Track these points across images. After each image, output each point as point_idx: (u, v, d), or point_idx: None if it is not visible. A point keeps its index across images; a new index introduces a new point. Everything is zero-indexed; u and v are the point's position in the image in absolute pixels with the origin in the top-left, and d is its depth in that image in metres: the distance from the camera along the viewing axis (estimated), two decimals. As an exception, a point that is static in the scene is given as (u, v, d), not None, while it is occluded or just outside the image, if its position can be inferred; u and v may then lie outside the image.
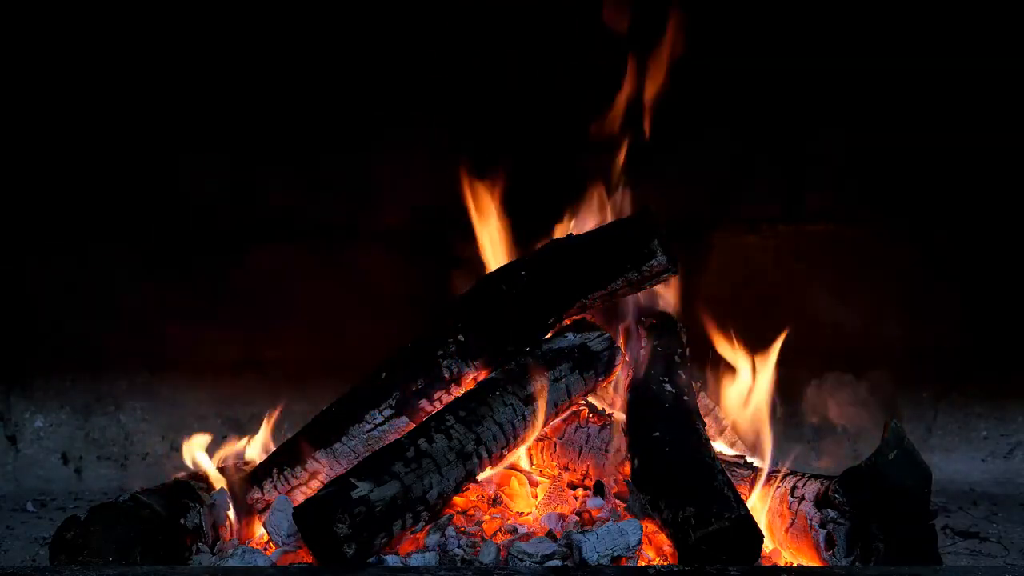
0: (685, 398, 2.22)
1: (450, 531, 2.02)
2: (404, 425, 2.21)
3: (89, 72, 2.95)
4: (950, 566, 2.08)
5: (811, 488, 2.02)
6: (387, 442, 2.12)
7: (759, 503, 2.11)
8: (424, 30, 2.93)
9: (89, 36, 2.92)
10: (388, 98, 2.98)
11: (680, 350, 2.39)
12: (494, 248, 2.47)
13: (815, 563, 1.96)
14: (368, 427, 2.22)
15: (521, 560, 1.92)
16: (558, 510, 2.16)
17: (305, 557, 1.99)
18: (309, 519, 1.90)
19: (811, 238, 3.07)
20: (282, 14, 2.93)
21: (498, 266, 2.38)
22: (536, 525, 2.12)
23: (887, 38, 2.94)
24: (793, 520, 2.02)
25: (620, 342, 2.36)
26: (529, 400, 2.14)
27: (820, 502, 1.97)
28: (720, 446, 2.38)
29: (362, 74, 2.97)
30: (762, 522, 2.04)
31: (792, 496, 2.05)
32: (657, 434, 2.07)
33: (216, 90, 2.96)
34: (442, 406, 2.19)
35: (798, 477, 2.10)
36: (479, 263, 2.49)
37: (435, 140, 2.98)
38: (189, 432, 3.02)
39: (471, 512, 2.15)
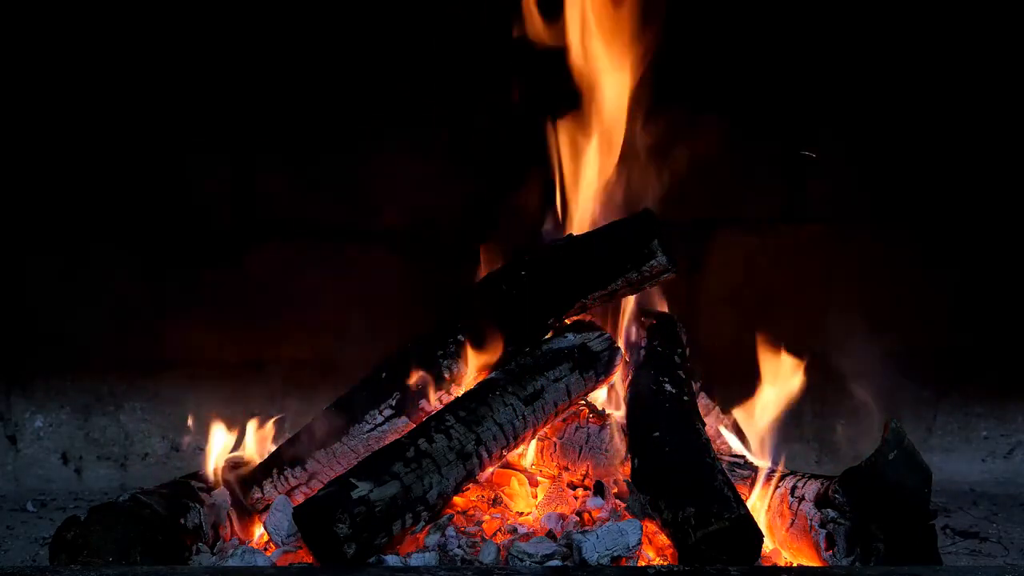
0: (685, 398, 2.22)
1: (450, 531, 2.02)
2: (404, 425, 2.21)
3: (91, 73, 2.94)
4: (950, 566, 2.08)
5: (811, 488, 2.02)
6: (387, 442, 2.12)
7: (759, 503, 2.11)
8: (424, 33, 2.93)
9: (90, 37, 2.92)
10: (389, 99, 2.98)
11: (680, 350, 2.39)
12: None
13: (815, 563, 1.96)
14: (368, 427, 2.22)
15: (521, 560, 1.92)
16: (558, 510, 2.16)
17: (305, 557, 1.99)
18: (309, 519, 1.90)
19: (811, 238, 3.07)
20: (284, 14, 2.93)
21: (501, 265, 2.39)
22: (536, 525, 2.12)
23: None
24: (793, 520, 2.02)
25: (620, 342, 2.37)
26: (529, 400, 2.14)
27: (820, 502, 1.97)
28: (724, 442, 2.38)
29: (363, 75, 2.97)
30: (762, 522, 2.04)
31: (792, 496, 2.05)
32: (657, 434, 2.08)
33: (217, 91, 2.96)
34: (442, 406, 2.19)
35: (798, 477, 2.10)
36: (479, 263, 2.49)
37: (436, 141, 2.97)
38: (190, 432, 3.04)
39: (471, 512, 2.15)
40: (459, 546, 1.99)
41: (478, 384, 2.20)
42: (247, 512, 2.22)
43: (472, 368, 2.26)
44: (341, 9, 2.93)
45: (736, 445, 2.37)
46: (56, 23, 2.92)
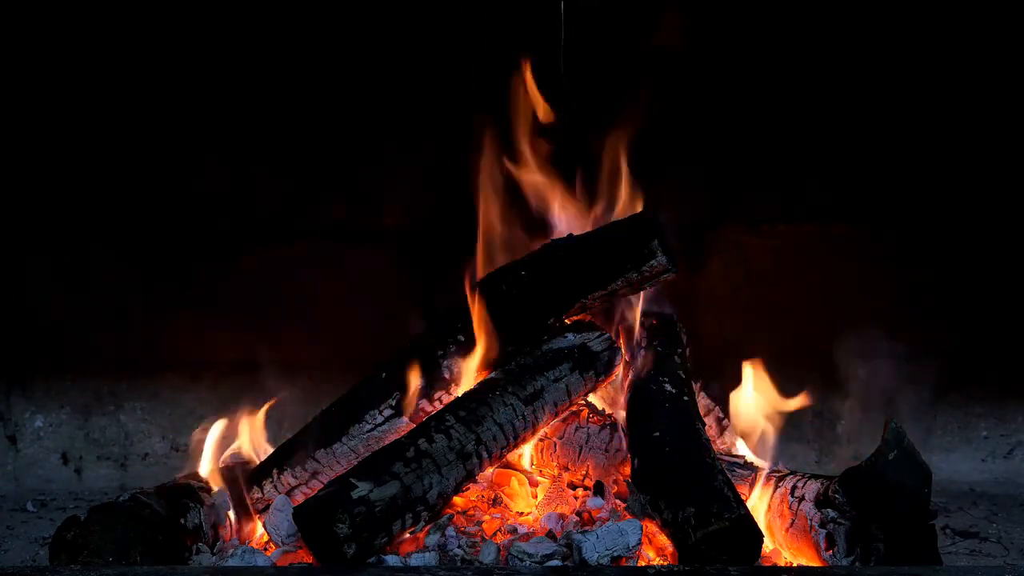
0: (685, 398, 2.22)
1: (450, 531, 2.02)
2: (404, 425, 2.22)
3: (92, 74, 2.94)
4: (950, 566, 2.08)
5: (811, 488, 2.02)
6: (387, 442, 2.12)
7: (759, 503, 2.11)
8: (426, 34, 2.93)
9: (91, 39, 2.92)
10: (388, 99, 2.98)
11: (680, 350, 2.39)
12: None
13: (815, 563, 1.96)
14: (368, 427, 2.22)
15: (521, 560, 1.92)
16: (558, 510, 2.16)
17: (305, 557, 1.99)
18: (309, 519, 1.90)
19: (811, 238, 3.07)
20: (285, 18, 2.93)
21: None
22: (536, 525, 2.12)
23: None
24: (793, 520, 2.02)
25: (620, 342, 2.37)
26: (529, 400, 2.14)
27: (820, 502, 1.97)
28: (724, 442, 2.38)
29: (363, 75, 2.97)
30: (762, 522, 2.04)
31: (792, 496, 2.05)
32: (657, 434, 2.07)
33: (217, 92, 2.96)
34: (442, 406, 2.19)
35: (798, 477, 2.10)
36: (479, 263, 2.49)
37: (436, 140, 2.97)
38: (190, 432, 3.03)
39: (471, 512, 2.15)
40: (459, 546, 1.99)
41: (478, 384, 2.20)
42: (247, 512, 2.22)
43: (472, 368, 2.26)
44: (341, 12, 2.93)
45: (736, 445, 2.37)
46: (57, 26, 2.92)
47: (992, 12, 2.90)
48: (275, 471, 2.24)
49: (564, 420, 2.29)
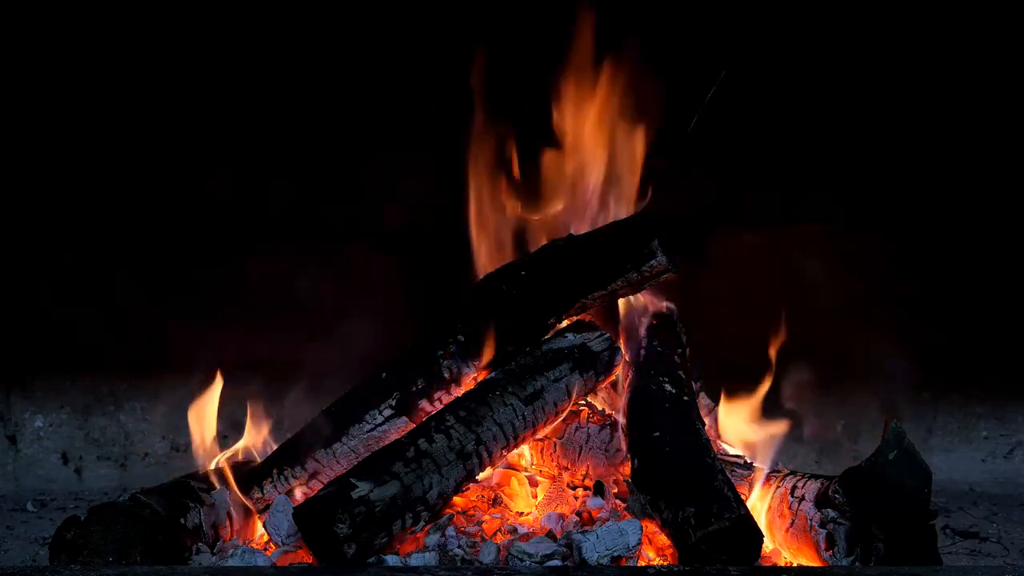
0: (685, 398, 2.22)
1: (450, 531, 2.02)
2: (404, 425, 2.22)
3: (92, 73, 2.95)
4: (950, 566, 2.08)
5: (811, 488, 2.02)
6: (387, 442, 2.12)
7: (759, 503, 2.11)
8: (425, 34, 2.93)
9: (93, 44, 2.92)
10: (388, 99, 2.98)
11: (680, 350, 2.39)
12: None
13: (815, 563, 1.96)
14: (368, 427, 2.22)
15: (521, 560, 1.92)
16: (558, 510, 2.16)
17: (305, 557, 1.99)
18: (309, 519, 1.91)
19: (811, 238, 3.07)
20: (284, 19, 2.93)
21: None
22: (536, 525, 2.12)
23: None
24: (793, 520, 2.02)
25: (620, 342, 2.37)
26: (529, 400, 2.14)
27: (820, 502, 1.97)
28: (721, 445, 2.38)
29: (363, 76, 2.97)
30: (762, 522, 2.04)
31: (792, 496, 2.05)
32: (657, 434, 2.08)
33: (218, 94, 2.96)
34: (442, 406, 2.19)
35: (798, 477, 2.10)
36: (479, 263, 2.49)
37: (436, 141, 2.97)
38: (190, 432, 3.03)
39: (471, 512, 2.15)
40: (459, 546, 1.99)
41: (478, 384, 2.20)
42: (247, 512, 2.22)
43: (472, 368, 2.26)
44: (342, 17, 2.93)
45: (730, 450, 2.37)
46: (64, 39, 2.93)
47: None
48: (275, 471, 2.24)
49: (564, 420, 2.29)
